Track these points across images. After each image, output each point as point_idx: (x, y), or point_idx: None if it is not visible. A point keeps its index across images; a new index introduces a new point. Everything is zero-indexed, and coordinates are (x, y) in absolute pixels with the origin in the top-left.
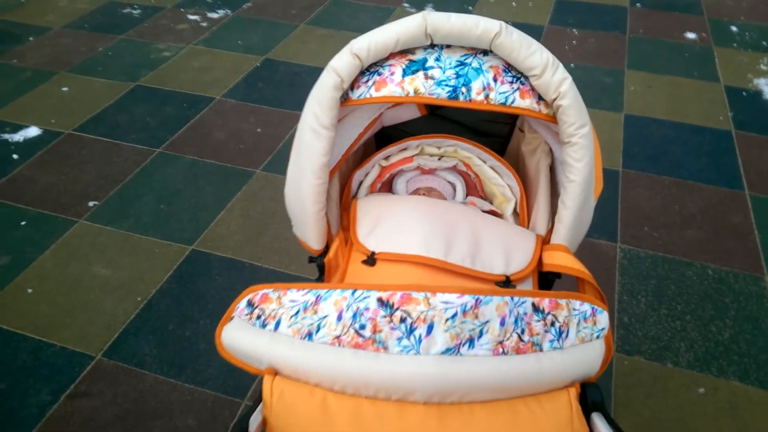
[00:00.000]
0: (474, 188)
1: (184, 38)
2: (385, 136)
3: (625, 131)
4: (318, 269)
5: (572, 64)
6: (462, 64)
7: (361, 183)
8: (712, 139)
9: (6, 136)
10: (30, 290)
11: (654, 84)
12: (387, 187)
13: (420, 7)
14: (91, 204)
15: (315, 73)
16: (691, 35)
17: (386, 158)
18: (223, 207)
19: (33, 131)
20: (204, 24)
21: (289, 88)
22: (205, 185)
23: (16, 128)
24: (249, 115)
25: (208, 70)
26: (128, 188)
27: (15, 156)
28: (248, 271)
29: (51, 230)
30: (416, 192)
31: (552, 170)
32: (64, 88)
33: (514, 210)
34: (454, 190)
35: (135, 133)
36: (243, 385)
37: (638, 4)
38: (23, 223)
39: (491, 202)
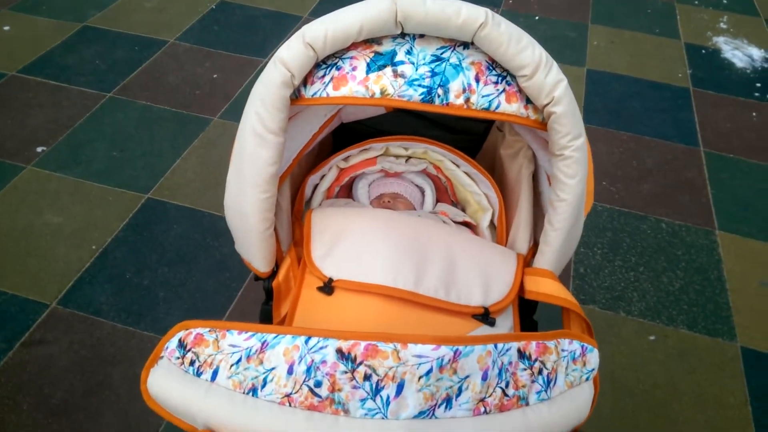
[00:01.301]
0: (445, 193)
1: None
2: (344, 132)
3: (586, 86)
4: (265, 293)
5: (537, 17)
6: (438, 59)
7: (316, 186)
8: (671, 96)
9: None
10: None
11: (617, 39)
12: (346, 191)
13: None
14: (39, 149)
15: (273, 17)
16: None
17: (345, 159)
18: (179, 155)
19: None
20: None
21: (246, 32)
22: (159, 132)
23: None
24: (204, 59)
25: (161, 11)
26: (78, 134)
27: None
28: (207, 220)
29: None
30: (380, 198)
31: (534, 178)
32: (6, 27)
33: (491, 222)
34: (423, 195)
35: (84, 76)
36: None
37: None
38: None
39: (464, 209)
